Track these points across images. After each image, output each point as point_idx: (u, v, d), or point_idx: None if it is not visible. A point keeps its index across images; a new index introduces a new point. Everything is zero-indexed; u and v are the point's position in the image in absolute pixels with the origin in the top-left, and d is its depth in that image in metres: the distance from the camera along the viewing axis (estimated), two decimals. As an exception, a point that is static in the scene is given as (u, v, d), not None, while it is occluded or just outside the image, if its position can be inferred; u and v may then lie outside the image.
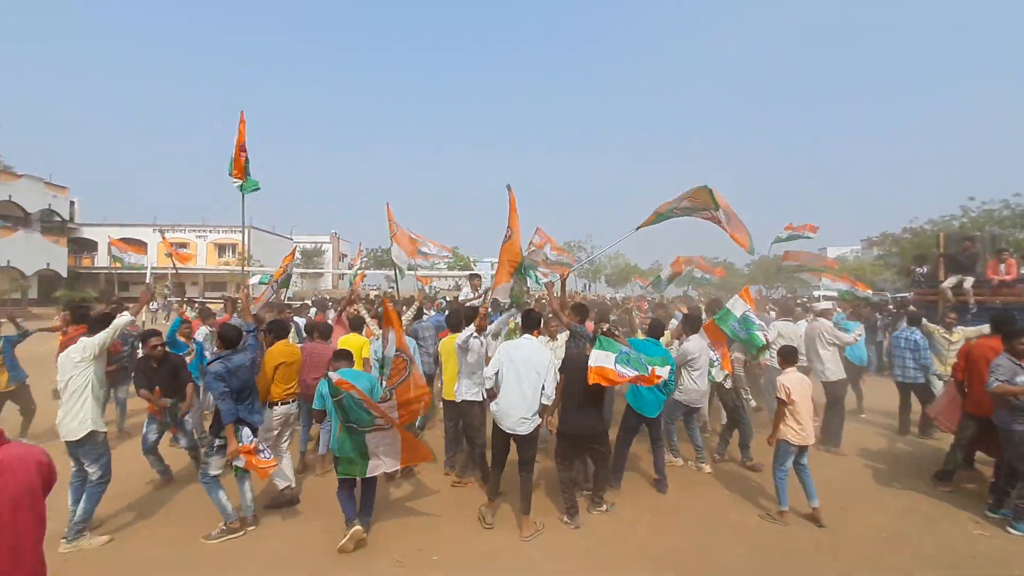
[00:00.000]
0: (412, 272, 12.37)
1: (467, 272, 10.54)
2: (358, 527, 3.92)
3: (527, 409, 4.17)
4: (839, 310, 9.31)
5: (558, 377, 4.35)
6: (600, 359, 4.13)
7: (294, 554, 3.87)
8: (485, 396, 4.82)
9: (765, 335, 5.66)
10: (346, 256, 58.31)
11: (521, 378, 4.20)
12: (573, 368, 4.34)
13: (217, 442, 4.08)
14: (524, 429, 4.18)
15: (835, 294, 12.04)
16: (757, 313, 5.76)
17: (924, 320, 7.26)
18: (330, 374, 3.88)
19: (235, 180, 6.40)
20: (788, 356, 4.67)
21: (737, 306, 5.72)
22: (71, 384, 3.89)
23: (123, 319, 4.30)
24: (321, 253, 53.12)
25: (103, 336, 4.03)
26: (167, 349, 5.07)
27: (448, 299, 12.34)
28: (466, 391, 4.93)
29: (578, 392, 4.25)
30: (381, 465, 4.04)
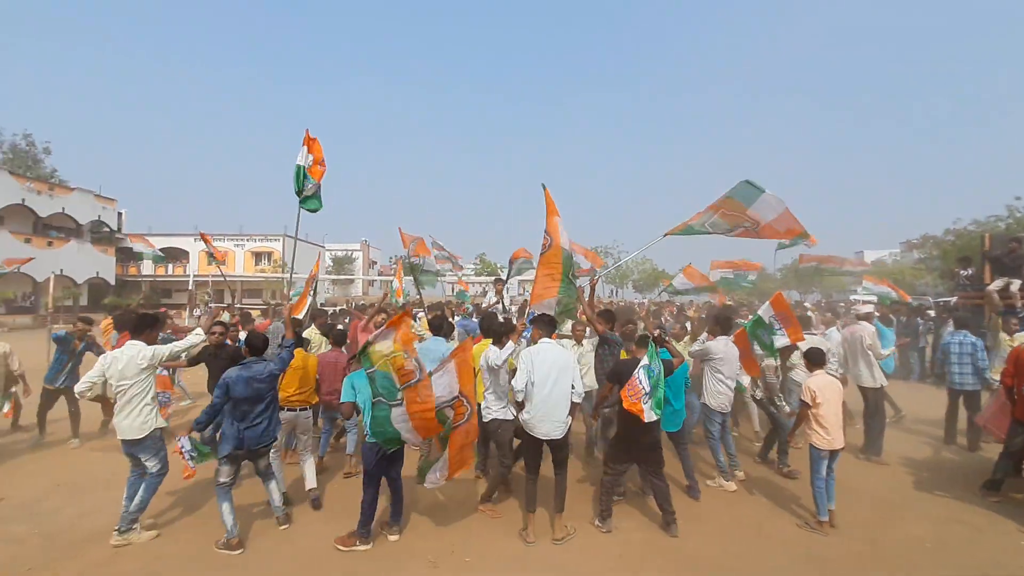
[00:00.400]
0: (442, 279, 12.60)
1: (494, 278, 10.62)
2: (370, 546, 4.00)
3: (560, 413, 4.17)
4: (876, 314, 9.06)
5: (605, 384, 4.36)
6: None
7: (328, 553, 3.95)
8: (515, 413, 4.59)
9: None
10: (376, 263, 59.40)
11: (549, 382, 4.17)
12: (615, 372, 4.33)
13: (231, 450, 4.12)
14: (558, 433, 4.17)
15: (875, 298, 11.68)
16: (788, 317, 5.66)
17: (1000, 323, 6.98)
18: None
19: (307, 194, 6.07)
20: (815, 359, 4.60)
21: (767, 313, 5.65)
22: (132, 388, 4.07)
23: (196, 338, 4.54)
24: (352, 260, 54.24)
25: (167, 349, 4.28)
26: (225, 339, 5.39)
27: (472, 305, 12.49)
28: (496, 410, 4.64)
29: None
30: (410, 438, 3.91)
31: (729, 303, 11.99)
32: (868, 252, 45.91)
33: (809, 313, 9.76)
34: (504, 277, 11.14)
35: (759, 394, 5.86)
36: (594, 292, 5.58)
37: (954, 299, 11.14)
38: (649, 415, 3.98)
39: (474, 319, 8.64)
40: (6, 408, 6.61)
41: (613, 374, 4.45)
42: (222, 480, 4.08)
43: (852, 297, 20.35)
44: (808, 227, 5.12)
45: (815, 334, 7.17)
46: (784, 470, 5.56)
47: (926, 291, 26.02)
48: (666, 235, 5.33)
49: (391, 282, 9.93)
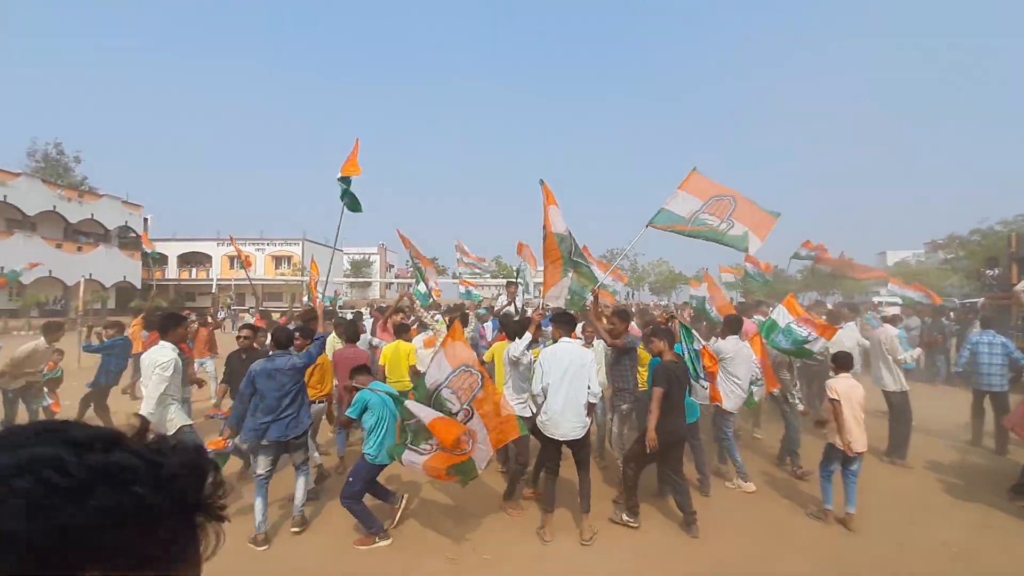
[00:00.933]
0: (456, 281, 12.72)
1: (506, 281, 10.68)
2: (390, 540, 4.08)
3: (578, 414, 4.17)
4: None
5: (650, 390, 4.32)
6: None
7: (347, 549, 4.02)
8: (534, 410, 4.64)
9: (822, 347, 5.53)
10: (392, 266, 59.94)
11: (567, 383, 4.16)
12: (665, 377, 4.28)
13: (263, 441, 4.21)
14: (577, 434, 4.17)
15: (899, 300, 11.46)
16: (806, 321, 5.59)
17: None
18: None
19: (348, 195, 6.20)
20: (842, 362, 4.58)
21: (782, 316, 5.59)
22: (151, 389, 4.14)
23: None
24: (369, 264, 54.89)
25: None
26: (252, 342, 5.62)
27: (485, 308, 12.59)
28: (514, 405, 4.65)
29: (679, 395, 4.30)
30: (413, 465, 3.91)
31: (742, 300, 11.91)
32: (891, 253, 44.91)
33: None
34: (516, 280, 11.21)
35: (775, 391, 5.77)
36: (597, 302, 5.53)
37: (981, 300, 10.88)
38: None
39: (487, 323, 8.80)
40: (50, 401, 6.93)
41: (664, 379, 4.30)
42: (259, 472, 4.17)
43: (875, 299, 19.93)
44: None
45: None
46: (798, 472, 5.48)
47: (952, 292, 25.34)
48: (648, 225, 5.33)
49: (417, 285, 10.05)
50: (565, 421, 4.14)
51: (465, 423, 3.97)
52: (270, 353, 4.46)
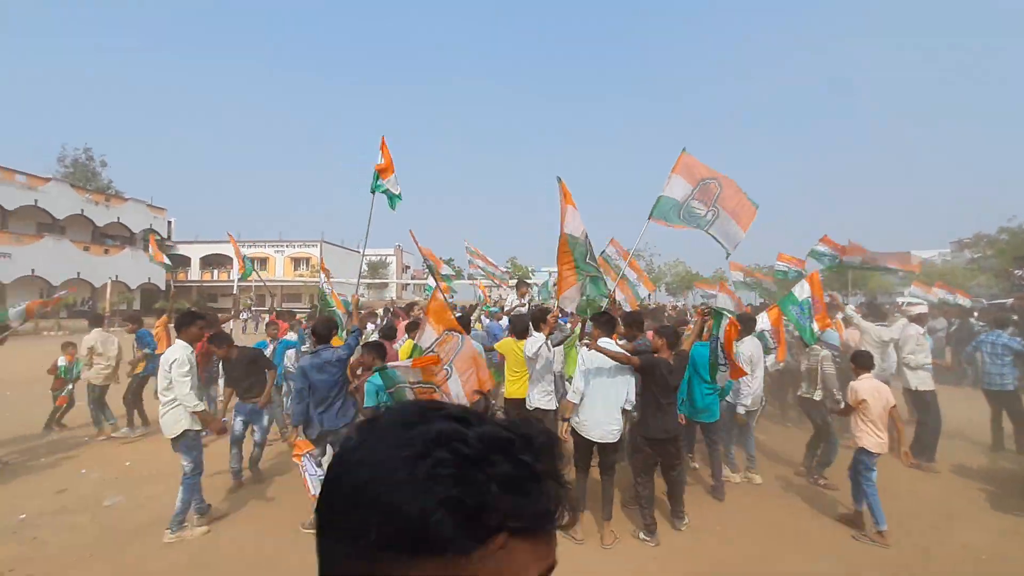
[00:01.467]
0: (473, 282, 12.72)
1: (515, 281, 10.61)
2: None
3: (614, 417, 4.15)
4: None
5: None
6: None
7: None
8: (557, 404, 4.74)
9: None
10: (409, 267, 60.35)
11: (606, 385, 4.14)
12: (650, 368, 4.17)
13: (316, 432, 4.42)
14: (613, 436, 4.16)
15: (921, 302, 11.15)
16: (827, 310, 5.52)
17: None
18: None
19: (390, 193, 6.33)
20: (863, 362, 4.45)
21: (802, 290, 5.50)
22: (165, 389, 4.23)
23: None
24: (386, 265, 55.35)
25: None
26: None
27: (494, 308, 12.58)
28: (538, 399, 4.84)
29: (663, 392, 4.17)
30: None
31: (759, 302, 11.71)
32: (916, 252, 43.51)
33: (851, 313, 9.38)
34: (526, 280, 11.19)
35: (817, 395, 5.45)
36: (614, 303, 5.49)
37: (1010, 301, 10.53)
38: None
39: (499, 322, 8.81)
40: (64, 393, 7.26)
41: (647, 364, 4.20)
42: None
43: (899, 299, 19.43)
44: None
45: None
46: (821, 482, 5.28)
47: (979, 292, 24.58)
48: (649, 219, 5.28)
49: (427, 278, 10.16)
50: (602, 423, 4.12)
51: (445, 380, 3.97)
52: (313, 349, 4.65)
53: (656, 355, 4.30)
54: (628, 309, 9.83)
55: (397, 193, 6.25)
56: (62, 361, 7.36)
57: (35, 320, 25.65)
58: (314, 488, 4.13)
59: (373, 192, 6.16)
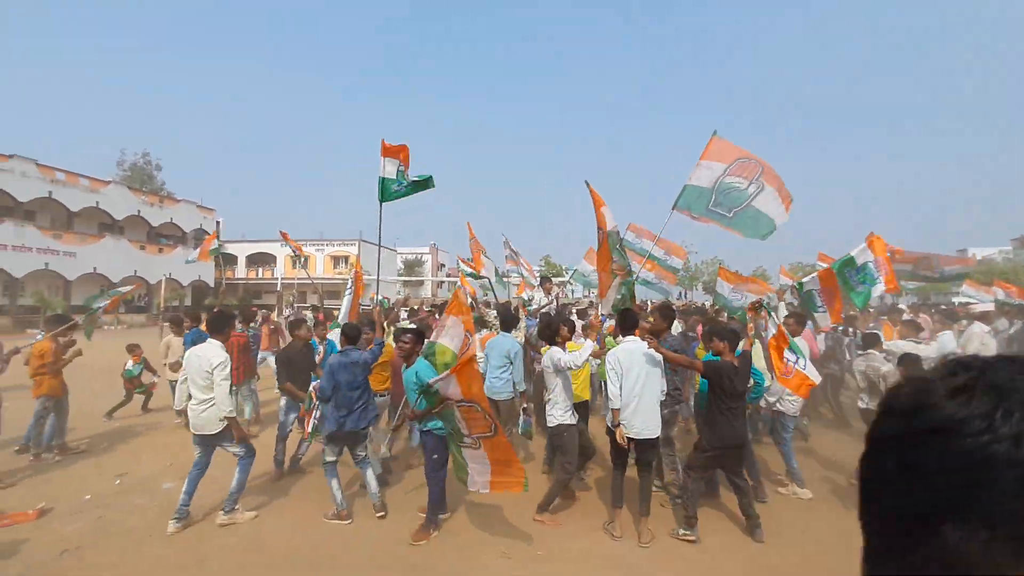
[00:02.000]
0: (507, 279, 12.74)
1: (539, 278, 10.39)
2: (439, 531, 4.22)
3: (653, 412, 4.11)
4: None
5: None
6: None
7: (406, 541, 4.12)
8: (577, 418, 4.58)
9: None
10: (444, 265, 61.09)
11: (643, 382, 4.10)
12: (715, 374, 4.12)
13: (340, 432, 4.52)
14: (652, 432, 4.12)
15: (976, 301, 10.53)
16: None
17: None
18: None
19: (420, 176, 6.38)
20: (910, 365, 4.28)
21: (862, 255, 5.27)
22: (205, 389, 4.34)
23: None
24: (421, 263, 56.26)
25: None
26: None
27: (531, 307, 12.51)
28: (560, 415, 4.48)
29: (731, 397, 4.10)
30: (475, 484, 4.04)
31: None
32: (974, 250, 41.04)
33: (908, 316, 8.93)
34: (550, 276, 11.05)
35: (873, 404, 5.22)
36: (635, 298, 5.33)
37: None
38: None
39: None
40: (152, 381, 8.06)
41: (712, 371, 4.16)
42: (329, 459, 4.54)
43: (953, 299, 18.38)
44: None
45: (919, 342, 6.43)
46: None
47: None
48: (673, 209, 5.17)
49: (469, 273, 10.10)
50: (640, 419, 4.09)
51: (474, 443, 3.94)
52: (343, 348, 4.80)
53: (720, 359, 4.23)
54: (661, 289, 9.57)
55: (427, 177, 6.23)
56: (130, 365, 7.89)
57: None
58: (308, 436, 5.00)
59: (383, 201, 6.09)
